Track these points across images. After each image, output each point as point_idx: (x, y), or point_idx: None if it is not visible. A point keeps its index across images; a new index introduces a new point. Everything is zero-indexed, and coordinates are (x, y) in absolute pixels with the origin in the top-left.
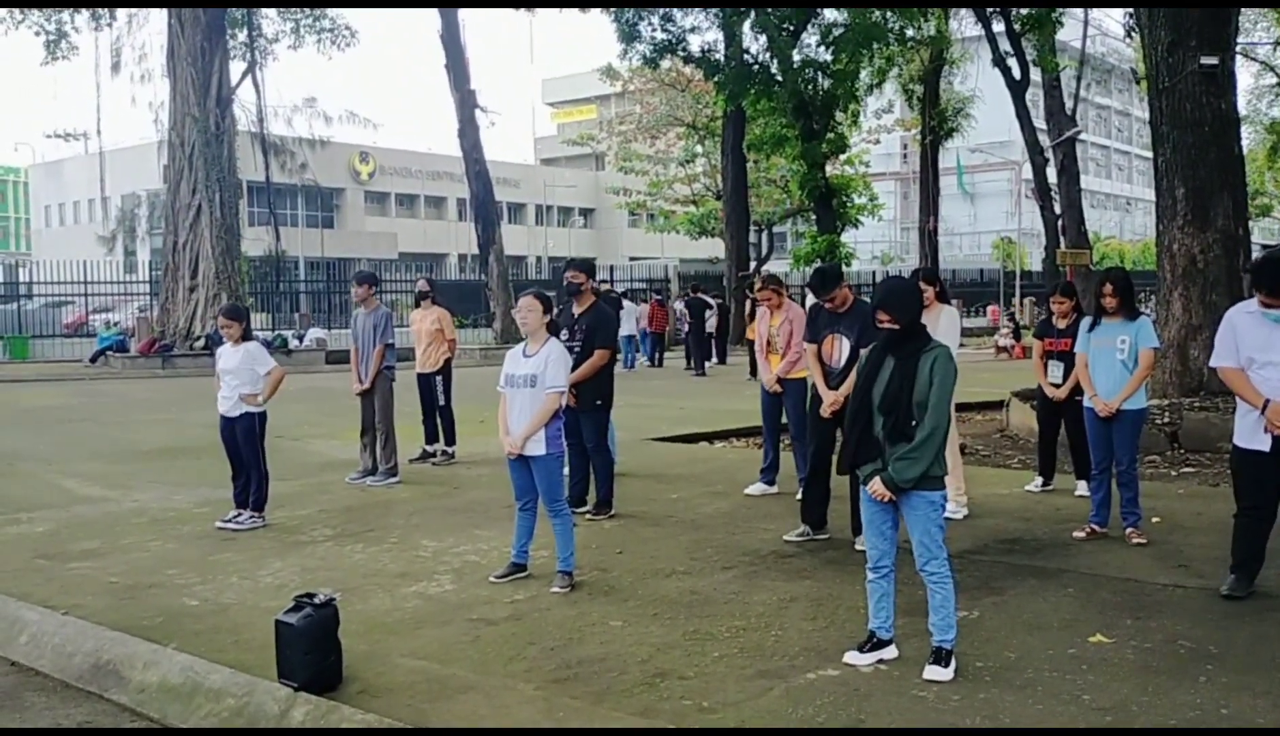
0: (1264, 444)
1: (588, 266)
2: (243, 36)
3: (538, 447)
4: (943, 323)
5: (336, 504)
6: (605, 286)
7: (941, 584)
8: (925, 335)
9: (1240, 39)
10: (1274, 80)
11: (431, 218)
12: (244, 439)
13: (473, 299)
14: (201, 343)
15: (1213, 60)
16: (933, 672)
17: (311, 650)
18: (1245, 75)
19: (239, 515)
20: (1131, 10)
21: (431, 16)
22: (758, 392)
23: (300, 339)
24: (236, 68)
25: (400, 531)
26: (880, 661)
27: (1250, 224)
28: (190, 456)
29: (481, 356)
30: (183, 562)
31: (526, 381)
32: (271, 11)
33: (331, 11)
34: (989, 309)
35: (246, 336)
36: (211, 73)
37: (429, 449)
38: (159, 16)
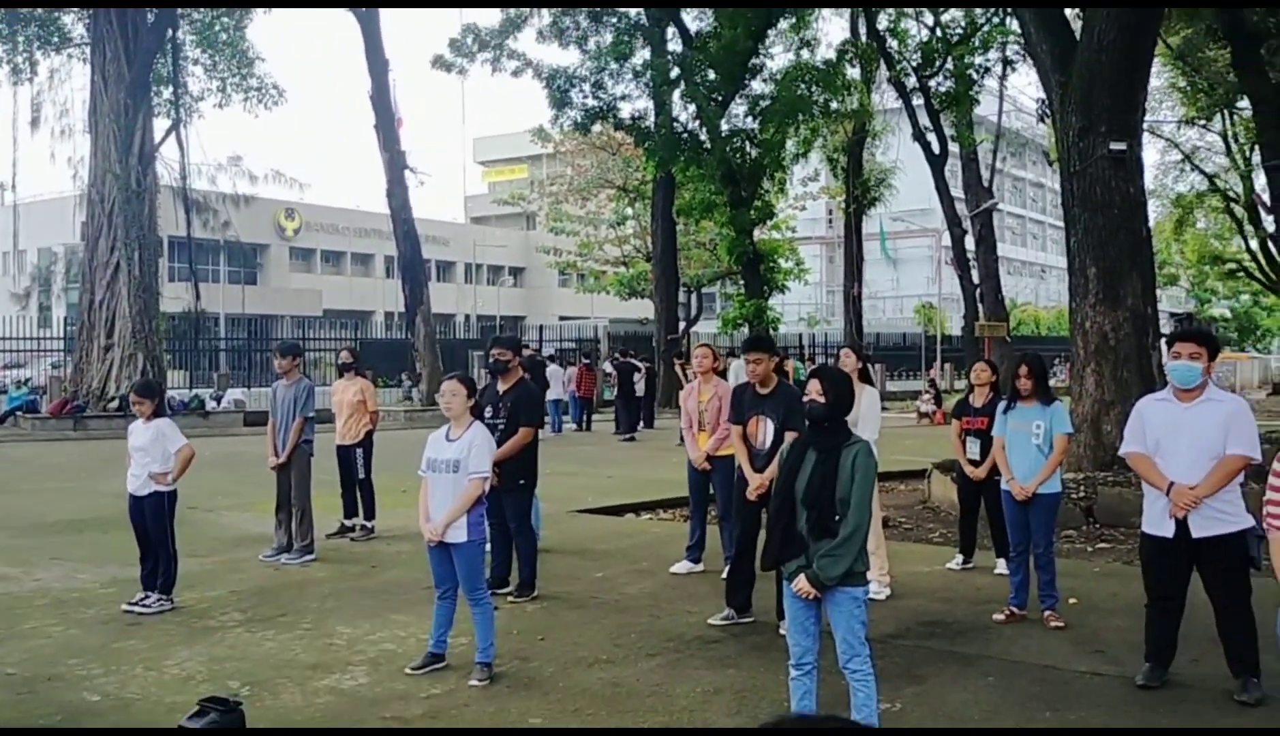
0: (1168, 530)
1: (514, 343)
2: (168, 94)
3: (459, 534)
4: (864, 403)
5: (249, 584)
6: (529, 350)
7: (864, 683)
8: (847, 429)
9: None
10: (1179, 156)
11: (358, 275)
12: (152, 519)
13: (399, 358)
14: (115, 404)
15: (1121, 146)
16: None
17: None
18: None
19: (146, 598)
20: (1045, 97)
21: (362, 76)
22: (685, 460)
23: (218, 400)
24: (161, 124)
25: (314, 615)
26: None
27: (1159, 293)
28: (98, 529)
29: (406, 419)
30: (85, 651)
31: (449, 466)
32: (198, 69)
33: (259, 70)
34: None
35: (159, 413)
36: (134, 130)
37: (347, 523)
38: (82, 72)
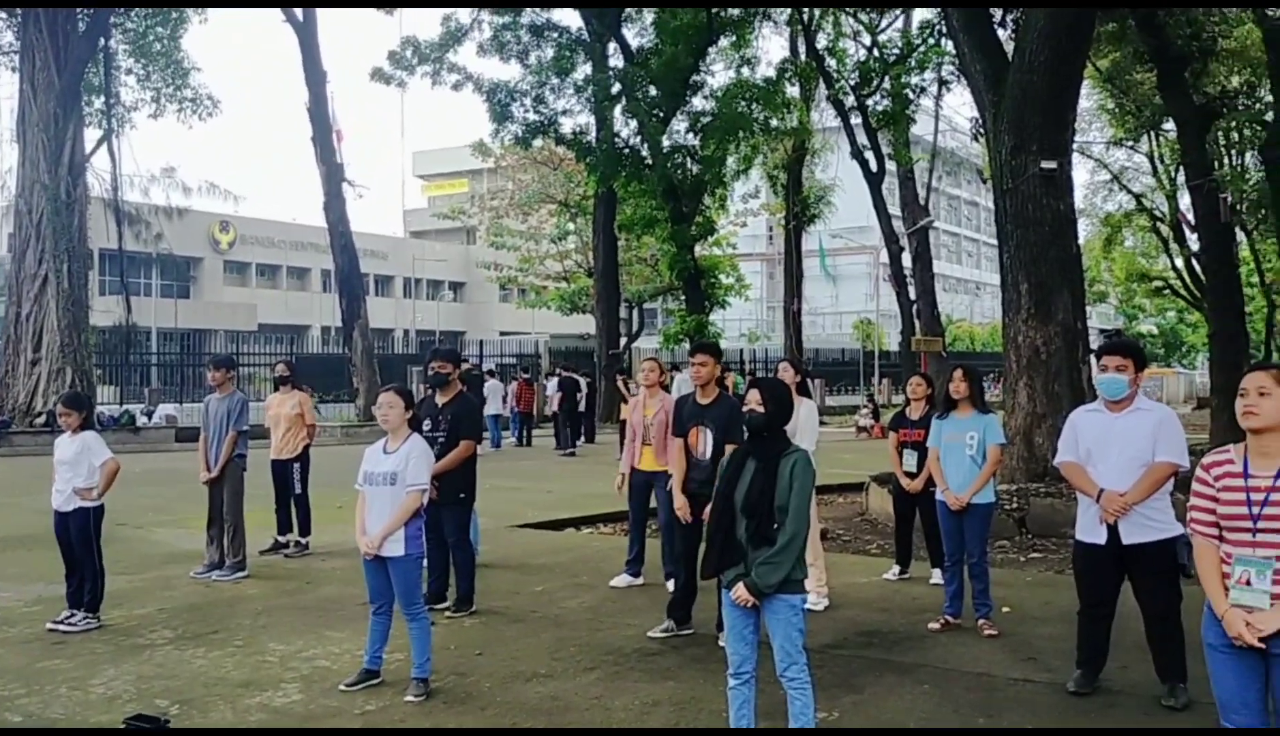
0: (1100, 536)
1: (453, 356)
2: (99, 103)
3: (396, 548)
4: (802, 415)
5: (179, 601)
6: (468, 364)
7: (801, 691)
8: (785, 439)
9: (1077, 138)
10: (1108, 176)
11: (294, 289)
12: (78, 536)
13: (336, 374)
14: (43, 419)
15: (1052, 164)
16: None
17: None
18: (1082, 171)
19: (72, 616)
20: (979, 115)
21: (299, 87)
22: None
23: (149, 415)
24: (92, 135)
25: (246, 633)
26: None
27: (1089, 309)
28: (23, 547)
29: (343, 434)
30: (7, 671)
31: (386, 479)
32: (131, 78)
33: (194, 81)
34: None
35: (86, 425)
36: (65, 140)
37: (281, 539)
38: (9, 81)
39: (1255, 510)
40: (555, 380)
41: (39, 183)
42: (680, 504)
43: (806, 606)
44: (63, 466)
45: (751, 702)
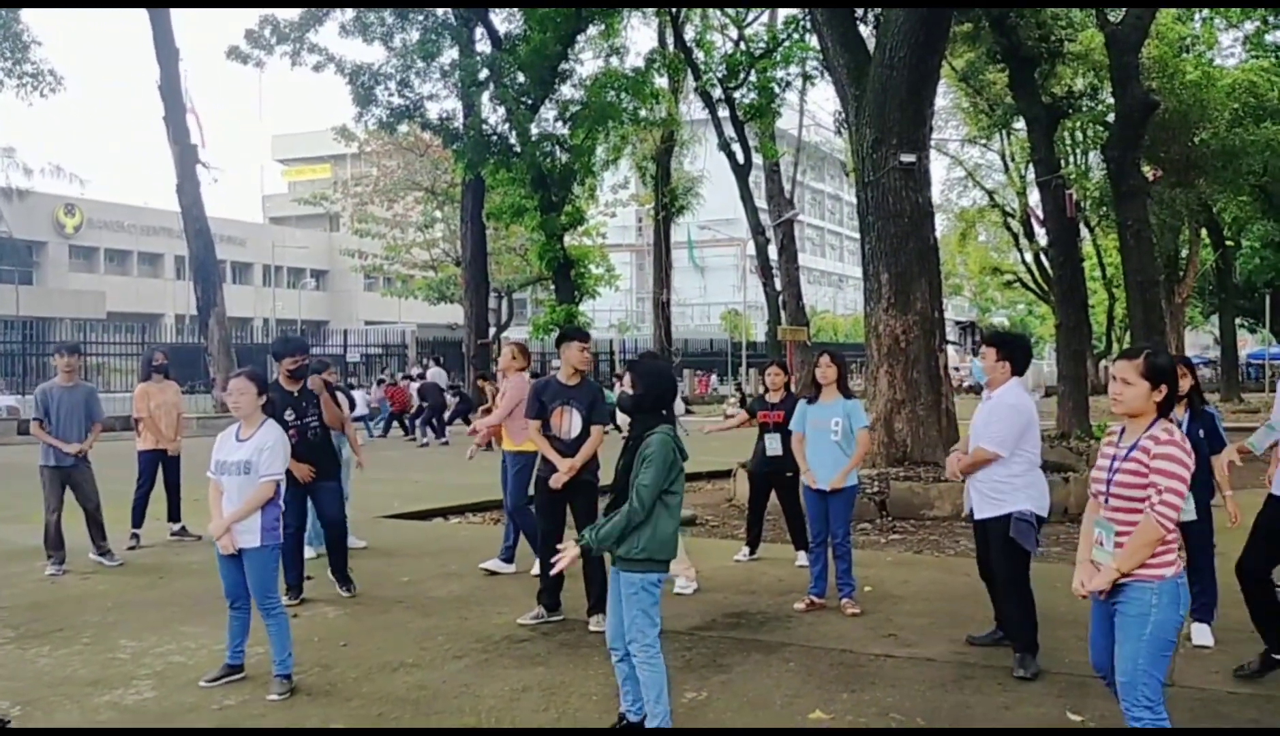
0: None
1: (302, 346)
2: None
3: (251, 539)
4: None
5: (21, 599)
6: (329, 375)
7: (643, 666)
8: (657, 420)
9: (934, 135)
10: (963, 173)
11: (146, 275)
12: None
13: (191, 364)
14: None
15: (911, 158)
16: None
17: None
18: (939, 168)
19: None
20: (842, 109)
21: (150, 65)
22: (494, 466)
23: None
24: None
25: (95, 630)
26: None
27: (945, 302)
28: None
29: (200, 426)
30: None
31: (240, 468)
32: None
33: (35, 55)
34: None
35: None
36: None
37: (185, 529)
38: None
39: (1109, 476)
40: (417, 384)
41: None
42: (565, 465)
43: (677, 590)
44: None
45: (635, 677)
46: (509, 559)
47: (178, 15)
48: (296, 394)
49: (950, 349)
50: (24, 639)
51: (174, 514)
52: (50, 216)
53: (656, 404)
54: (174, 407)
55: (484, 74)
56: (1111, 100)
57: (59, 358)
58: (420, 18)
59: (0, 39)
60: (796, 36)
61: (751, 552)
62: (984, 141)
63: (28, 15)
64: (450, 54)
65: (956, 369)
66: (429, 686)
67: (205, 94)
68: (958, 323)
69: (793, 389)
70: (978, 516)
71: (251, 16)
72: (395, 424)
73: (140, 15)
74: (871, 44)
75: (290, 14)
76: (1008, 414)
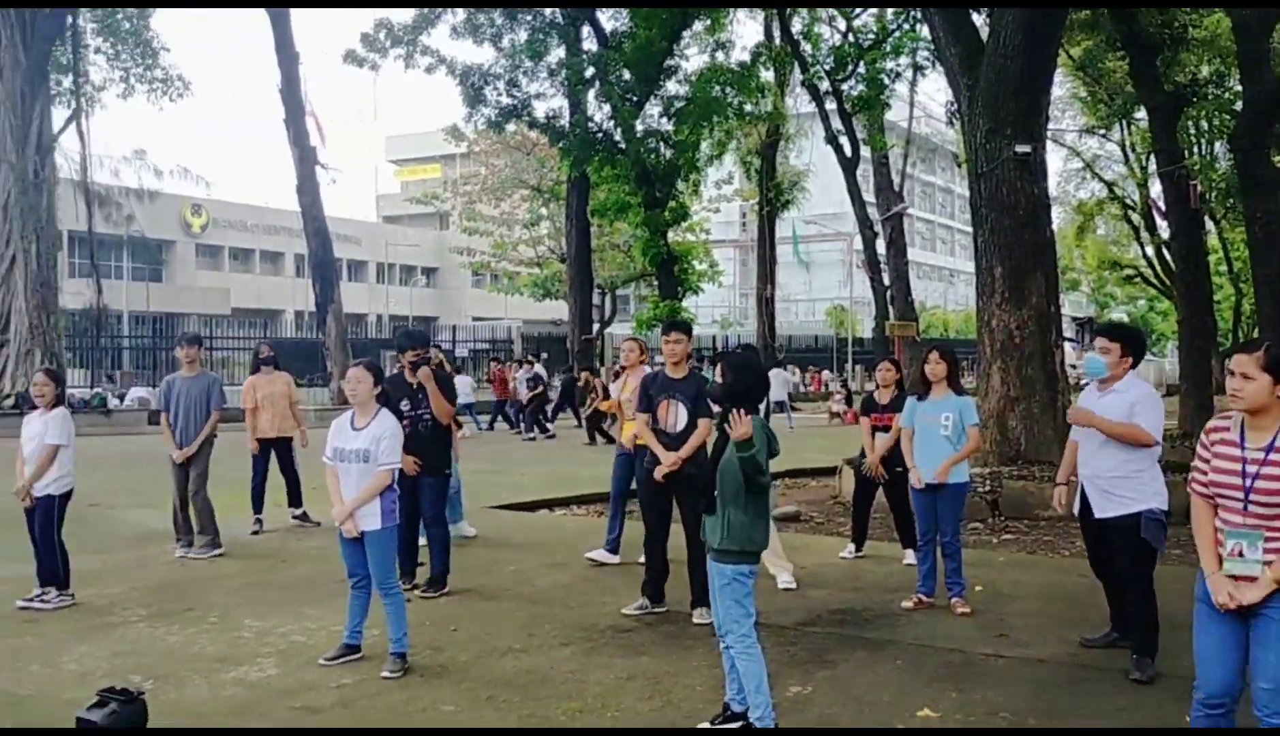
0: (1077, 508)
1: (424, 339)
2: (67, 82)
3: (372, 522)
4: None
5: (152, 580)
6: (436, 361)
7: (741, 656)
8: (750, 411)
9: (1051, 126)
10: (1080, 164)
11: (267, 273)
12: (40, 521)
13: (310, 358)
14: (11, 402)
15: (1026, 148)
16: None
17: None
18: (1055, 159)
19: (44, 594)
20: (954, 99)
21: (271, 69)
22: (597, 459)
23: (121, 398)
24: (60, 114)
25: (221, 610)
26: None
27: (1061, 298)
28: None
29: (317, 418)
30: None
31: (359, 456)
32: (99, 58)
33: (164, 61)
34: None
35: (60, 402)
36: (31, 118)
37: (306, 515)
38: None
39: (1247, 482)
40: (524, 372)
41: (5, 161)
42: (668, 459)
43: (781, 586)
44: (30, 444)
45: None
46: (614, 549)
47: (296, 21)
48: (415, 386)
49: (1067, 346)
50: (154, 617)
51: (294, 500)
52: (178, 216)
53: (747, 394)
54: (284, 397)
55: (590, 72)
56: (1239, 88)
57: (181, 349)
58: (528, 18)
59: (133, 46)
60: (907, 27)
61: (857, 550)
62: (1103, 131)
63: (156, 23)
64: (557, 53)
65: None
66: (536, 671)
67: (323, 97)
68: (1074, 319)
69: (904, 387)
70: (1099, 515)
71: (367, 20)
72: (500, 417)
73: (262, 23)
74: (985, 33)
75: (404, 16)
76: (1153, 402)
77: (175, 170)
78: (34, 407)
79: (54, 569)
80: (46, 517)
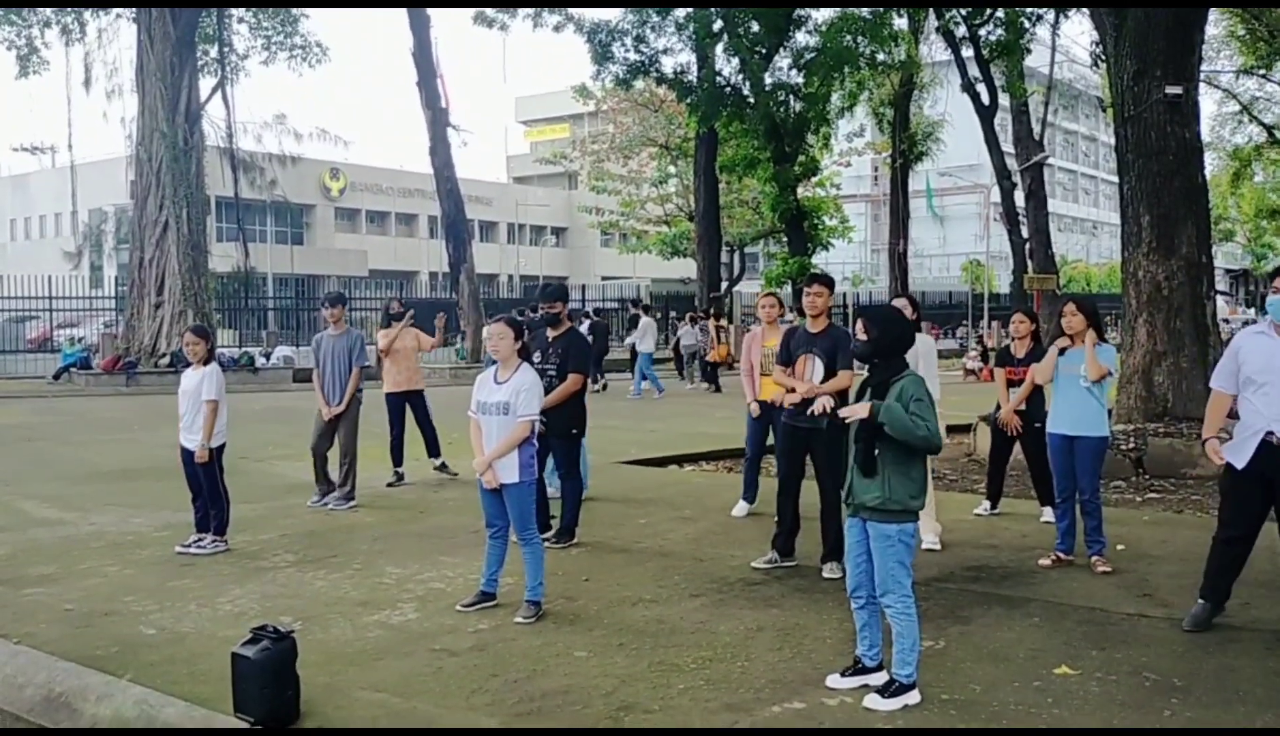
0: (1242, 460)
1: (562, 294)
2: (213, 52)
3: (510, 475)
4: (920, 352)
5: (299, 528)
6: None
7: (897, 618)
8: (897, 366)
9: (1204, 67)
10: (1236, 107)
11: (402, 235)
12: (203, 469)
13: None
14: (166, 360)
15: (1177, 90)
16: (871, 700)
17: (269, 684)
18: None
19: (200, 540)
20: (1099, 40)
21: (404, 33)
22: (727, 414)
23: (267, 357)
24: (206, 83)
25: (364, 557)
26: (866, 686)
27: (1214, 249)
28: (151, 478)
29: (451, 376)
30: (140, 589)
31: (499, 408)
32: (243, 27)
33: (303, 28)
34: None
35: (211, 357)
36: (180, 88)
37: (436, 463)
38: (129, 31)
39: None
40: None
41: (157, 131)
42: (803, 387)
43: (925, 546)
44: (185, 398)
45: (873, 625)
46: (750, 501)
47: None
48: (551, 340)
49: (1219, 299)
50: (302, 563)
51: (433, 450)
52: (317, 180)
53: (894, 347)
54: (413, 352)
55: (718, 25)
56: None
57: (326, 309)
58: None
59: (272, 13)
60: None
61: (993, 507)
62: (1262, 71)
63: None
64: (684, 7)
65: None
66: (667, 621)
67: (454, 58)
68: (1228, 271)
69: (1039, 339)
70: None
71: None
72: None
73: None
74: None
75: None
76: None
77: (314, 132)
78: (188, 365)
79: (220, 509)
80: (209, 466)
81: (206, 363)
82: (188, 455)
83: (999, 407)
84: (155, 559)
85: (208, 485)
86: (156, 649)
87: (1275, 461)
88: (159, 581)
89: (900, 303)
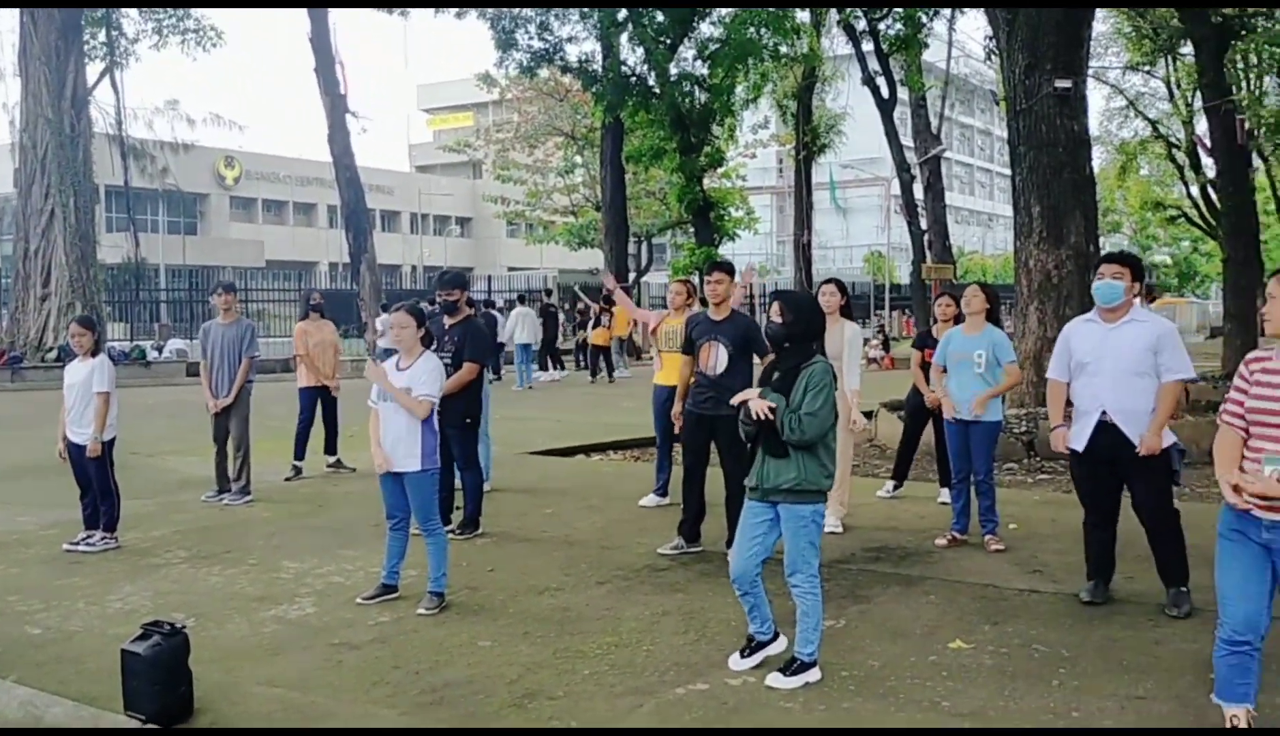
0: (1081, 444)
1: (460, 281)
2: (101, 36)
3: (412, 463)
4: (846, 337)
5: (193, 524)
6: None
7: (803, 597)
8: (808, 352)
9: (1093, 63)
10: (1123, 102)
11: (301, 224)
12: (92, 463)
13: (344, 309)
14: (54, 354)
15: (1066, 83)
16: (774, 679)
17: (160, 681)
18: (1097, 97)
19: (89, 536)
20: (992, 35)
21: (301, 18)
22: (634, 405)
23: (159, 350)
24: (94, 68)
25: (260, 552)
26: (767, 661)
27: (1101, 240)
28: (37, 476)
29: (352, 368)
30: (26, 588)
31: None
32: (132, 11)
33: (197, 11)
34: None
35: (98, 350)
36: (66, 72)
37: (340, 462)
38: (10, 14)
39: None
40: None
41: (42, 117)
42: (675, 411)
43: (827, 530)
44: (72, 390)
45: (761, 605)
46: (663, 493)
47: None
48: (447, 327)
49: None
50: (196, 559)
51: (330, 447)
52: (212, 169)
53: (807, 334)
54: (330, 346)
55: (623, 14)
56: None
57: (217, 296)
58: None
59: None
60: None
61: (896, 487)
62: (1147, 67)
63: None
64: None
65: None
66: (572, 608)
67: (353, 44)
68: None
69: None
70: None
71: None
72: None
73: None
74: None
75: None
76: (1175, 337)
77: (208, 118)
78: (75, 357)
79: (108, 507)
80: (99, 460)
81: (94, 354)
82: (76, 449)
83: (915, 389)
84: (42, 557)
85: (98, 480)
86: (43, 648)
87: (1112, 439)
88: (46, 580)
89: (829, 288)
